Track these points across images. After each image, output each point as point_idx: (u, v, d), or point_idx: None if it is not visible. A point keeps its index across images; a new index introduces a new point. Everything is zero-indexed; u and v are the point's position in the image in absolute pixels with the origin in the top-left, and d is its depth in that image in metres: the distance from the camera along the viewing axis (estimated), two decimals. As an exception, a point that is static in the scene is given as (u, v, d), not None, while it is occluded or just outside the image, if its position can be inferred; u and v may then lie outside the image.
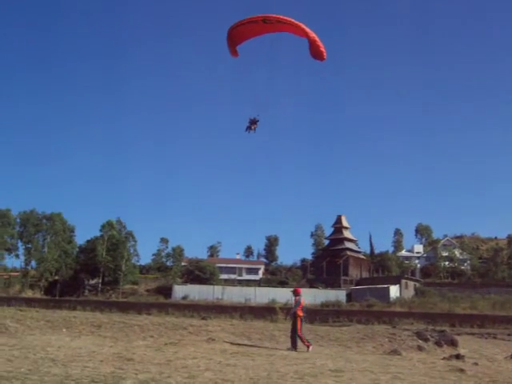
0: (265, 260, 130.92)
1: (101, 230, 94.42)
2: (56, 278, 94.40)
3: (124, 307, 55.68)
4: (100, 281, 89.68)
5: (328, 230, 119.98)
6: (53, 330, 22.95)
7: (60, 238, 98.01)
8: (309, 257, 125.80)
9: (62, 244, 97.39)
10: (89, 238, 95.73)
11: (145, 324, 24.36)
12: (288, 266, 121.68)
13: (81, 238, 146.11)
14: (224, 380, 12.81)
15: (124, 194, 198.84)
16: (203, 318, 31.68)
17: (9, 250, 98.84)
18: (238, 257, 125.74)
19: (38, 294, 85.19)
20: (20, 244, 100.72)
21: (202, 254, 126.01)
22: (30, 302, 57.21)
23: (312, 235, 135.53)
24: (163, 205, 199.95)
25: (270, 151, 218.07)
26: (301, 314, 20.90)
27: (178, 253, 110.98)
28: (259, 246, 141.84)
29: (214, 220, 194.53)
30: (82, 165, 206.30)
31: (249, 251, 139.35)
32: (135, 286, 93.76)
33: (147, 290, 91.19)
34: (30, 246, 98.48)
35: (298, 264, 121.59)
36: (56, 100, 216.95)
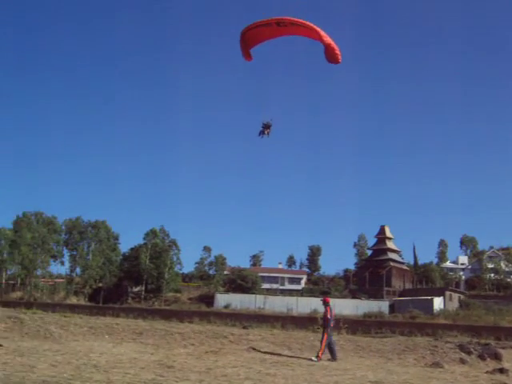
0: (307, 270, 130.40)
1: (144, 238, 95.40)
2: (100, 285, 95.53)
3: (166, 315, 55.78)
4: (143, 288, 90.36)
5: (371, 241, 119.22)
6: (95, 336, 23.27)
7: (104, 245, 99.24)
8: (351, 267, 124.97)
9: (106, 251, 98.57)
10: (132, 246, 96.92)
11: (186, 332, 24.51)
12: (330, 276, 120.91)
13: (125, 246, 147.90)
14: (263, 389, 12.86)
15: (168, 202, 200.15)
16: (244, 327, 31.66)
17: (54, 257, 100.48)
18: (280, 266, 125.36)
19: (82, 301, 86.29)
20: (65, 251, 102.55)
21: (245, 263, 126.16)
22: (74, 309, 57.73)
23: (355, 245, 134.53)
24: (206, 213, 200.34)
25: (313, 161, 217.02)
26: (331, 324, 20.95)
27: (220, 261, 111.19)
28: (302, 256, 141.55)
29: (257, 229, 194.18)
30: (127, 173, 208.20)
31: (291, 261, 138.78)
32: (178, 294, 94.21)
33: (189, 299, 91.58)
34: (75, 253, 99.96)
35: (341, 274, 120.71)
36: (97, 106, 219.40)
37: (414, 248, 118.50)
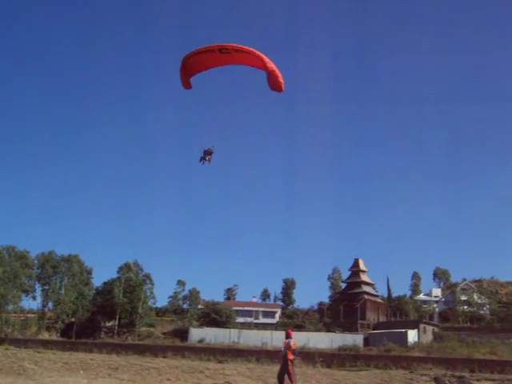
0: (281, 303, 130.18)
1: (118, 272, 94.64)
2: (72, 319, 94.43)
3: (140, 350, 55.40)
4: (116, 323, 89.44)
5: (345, 274, 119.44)
6: (70, 372, 23.06)
7: (77, 279, 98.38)
8: (326, 300, 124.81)
9: (79, 286, 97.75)
10: (106, 280, 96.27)
11: (162, 367, 24.40)
12: (305, 309, 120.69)
13: (98, 280, 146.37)
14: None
15: (141, 236, 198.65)
16: (220, 362, 31.63)
17: (26, 292, 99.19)
18: (254, 300, 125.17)
19: (55, 336, 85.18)
20: (37, 285, 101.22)
21: (219, 297, 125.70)
22: (46, 344, 57.25)
23: (329, 278, 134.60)
24: (180, 247, 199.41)
25: (286, 192, 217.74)
26: (291, 357, 20.86)
27: (194, 295, 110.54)
28: (276, 289, 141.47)
29: (231, 263, 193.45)
30: (101, 207, 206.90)
31: (265, 294, 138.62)
32: (151, 329, 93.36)
33: (163, 333, 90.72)
34: (47, 287, 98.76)
35: (315, 307, 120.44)
36: (72, 140, 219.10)
37: (387, 281, 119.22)
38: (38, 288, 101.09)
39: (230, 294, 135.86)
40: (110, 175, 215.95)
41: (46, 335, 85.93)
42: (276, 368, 26.90)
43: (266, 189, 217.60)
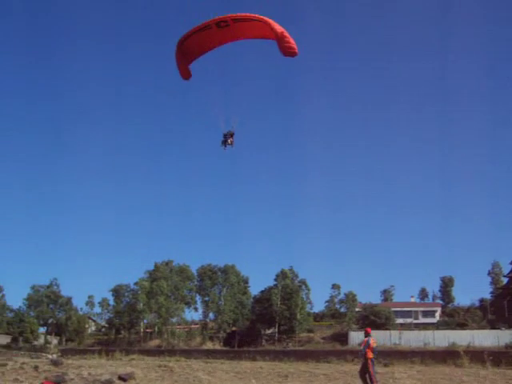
0: (441, 302, 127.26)
1: (275, 280, 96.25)
2: (234, 328, 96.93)
3: (302, 356, 55.77)
4: (276, 330, 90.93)
5: (506, 267, 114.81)
6: (242, 380, 23.70)
7: (235, 289, 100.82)
8: (487, 296, 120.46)
9: (237, 295, 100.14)
10: (263, 289, 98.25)
11: (330, 373, 24.57)
12: (466, 306, 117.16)
13: (254, 289, 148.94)
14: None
15: (293, 242, 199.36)
16: (385, 365, 31.29)
17: (188, 304, 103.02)
18: (412, 300, 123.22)
19: (218, 346, 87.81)
20: (198, 297, 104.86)
21: (376, 299, 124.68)
22: (211, 354, 58.82)
23: (489, 273, 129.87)
24: (333, 251, 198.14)
25: (439, 187, 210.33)
26: (371, 355, 20.46)
27: (351, 298, 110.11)
28: (434, 288, 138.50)
29: (386, 263, 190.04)
30: (249, 218, 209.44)
31: (423, 293, 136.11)
32: (311, 334, 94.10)
33: (323, 338, 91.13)
34: (207, 298, 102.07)
35: (477, 304, 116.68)
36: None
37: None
38: (199, 300, 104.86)
39: (386, 295, 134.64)
40: (260, 180, 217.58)
41: (209, 345, 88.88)
42: (445, 369, 26.40)
43: (418, 190, 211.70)
